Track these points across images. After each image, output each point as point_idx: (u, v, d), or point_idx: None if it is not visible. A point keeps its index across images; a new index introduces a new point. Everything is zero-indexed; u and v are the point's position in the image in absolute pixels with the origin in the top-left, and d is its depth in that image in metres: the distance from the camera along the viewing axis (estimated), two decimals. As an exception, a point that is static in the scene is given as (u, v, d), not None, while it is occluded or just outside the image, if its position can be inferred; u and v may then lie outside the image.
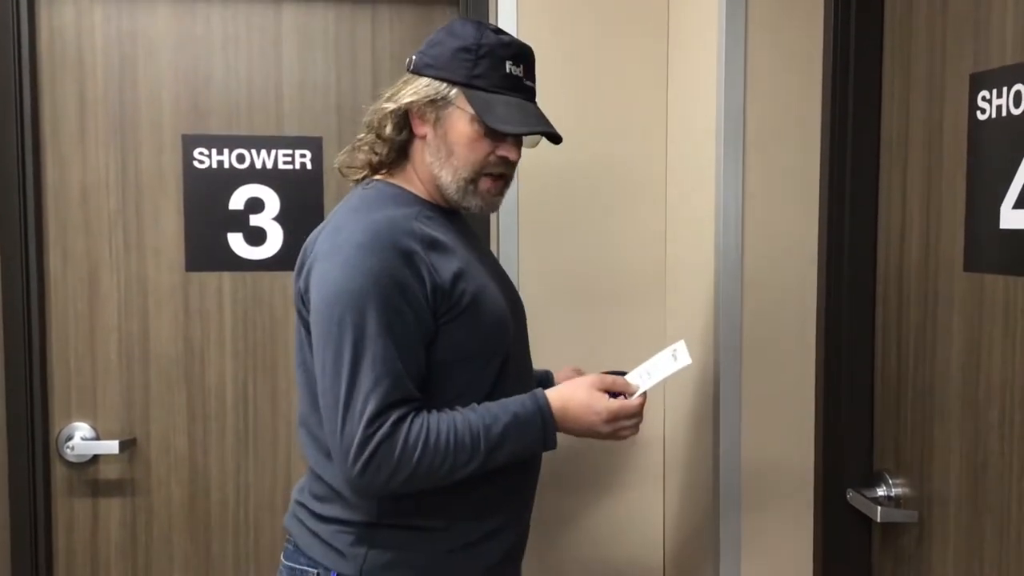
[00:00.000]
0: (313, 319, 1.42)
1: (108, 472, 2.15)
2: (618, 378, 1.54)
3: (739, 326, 1.79)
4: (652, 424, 2.15)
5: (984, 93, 1.36)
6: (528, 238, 2.06)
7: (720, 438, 1.80)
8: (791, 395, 1.79)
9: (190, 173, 2.14)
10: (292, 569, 1.51)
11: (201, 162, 2.14)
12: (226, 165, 2.14)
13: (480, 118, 1.47)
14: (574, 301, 2.11)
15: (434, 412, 1.41)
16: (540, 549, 2.05)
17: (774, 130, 1.77)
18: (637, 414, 1.51)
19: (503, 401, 1.46)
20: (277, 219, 2.17)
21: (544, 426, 1.46)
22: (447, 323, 1.42)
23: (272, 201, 2.16)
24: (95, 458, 2.14)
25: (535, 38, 1.67)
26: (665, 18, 2.11)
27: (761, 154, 1.77)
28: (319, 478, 1.50)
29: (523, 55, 1.54)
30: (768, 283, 1.79)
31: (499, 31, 1.53)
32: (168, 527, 2.17)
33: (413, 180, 1.55)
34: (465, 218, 1.62)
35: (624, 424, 1.50)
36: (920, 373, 1.55)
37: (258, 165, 2.15)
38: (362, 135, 1.58)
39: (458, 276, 1.43)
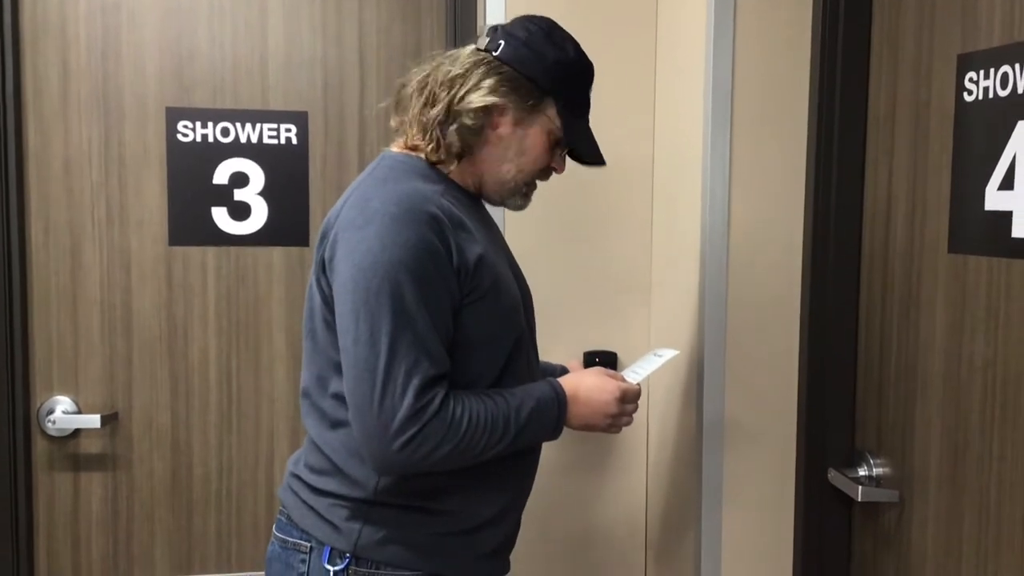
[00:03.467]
0: (341, 288, 1.38)
1: (90, 446, 2.14)
2: (615, 372, 1.60)
3: (724, 306, 1.80)
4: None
5: (971, 74, 1.36)
6: (513, 224, 2.05)
7: (703, 416, 1.81)
8: (774, 374, 1.80)
9: (174, 146, 2.11)
10: (284, 542, 1.49)
11: (185, 135, 2.12)
12: (210, 139, 2.13)
13: (567, 140, 1.53)
14: (561, 287, 2.11)
15: (466, 392, 1.41)
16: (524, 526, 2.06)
17: (761, 112, 1.77)
18: (638, 398, 1.57)
19: (526, 386, 1.48)
20: (262, 194, 2.15)
21: (559, 413, 1.48)
22: (466, 306, 1.41)
23: (257, 176, 2.15)
24: (76, 432, 2.13)
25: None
26: (654, 3, 2.10)
27: (748, 136, 1.77)
28: (318, 450, 1.48)
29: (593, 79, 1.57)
30: (754, 264, 1.79)
31: (581, 49, 1.54)
32: (150, 502, 2.17)
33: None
34: (483, 203, 1.59)
35: (628, 407, 1.55)
36: (903, 353, 1.56)
37: (243, 139, 2.14)
38: (424, 106, 1.48)
39: (480, 261, 1.41)
